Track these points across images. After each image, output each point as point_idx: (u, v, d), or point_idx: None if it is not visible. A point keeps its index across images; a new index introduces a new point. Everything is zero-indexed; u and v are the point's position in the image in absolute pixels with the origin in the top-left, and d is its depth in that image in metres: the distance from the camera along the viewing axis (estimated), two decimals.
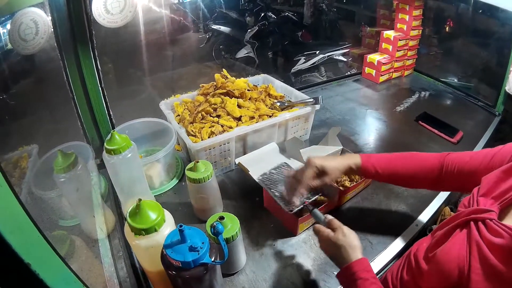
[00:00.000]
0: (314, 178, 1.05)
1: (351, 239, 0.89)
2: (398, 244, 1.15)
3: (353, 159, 1.06)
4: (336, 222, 0.94)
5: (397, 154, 1.07)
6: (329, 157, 1.12)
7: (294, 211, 1.05)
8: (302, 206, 1.06)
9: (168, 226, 0.82)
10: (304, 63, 3.98)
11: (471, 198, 0.79)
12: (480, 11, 2.57)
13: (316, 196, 1.09)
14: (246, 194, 1.36)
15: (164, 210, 0.85)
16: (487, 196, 0.76)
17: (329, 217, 0.98)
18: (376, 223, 1.23)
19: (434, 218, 1.29)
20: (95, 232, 1.12)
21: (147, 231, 0.78)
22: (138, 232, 0.78)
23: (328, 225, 0.95)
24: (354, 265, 0.84)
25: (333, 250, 0.90)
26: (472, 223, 0.72)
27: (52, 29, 1.25)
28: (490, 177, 0.80)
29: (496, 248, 0.64)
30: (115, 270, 1.08)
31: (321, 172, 1.05)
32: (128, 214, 0.80)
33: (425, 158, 1.03)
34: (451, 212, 1.31)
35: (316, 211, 1.04)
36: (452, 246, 0.72)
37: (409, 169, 1.03)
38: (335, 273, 1.03)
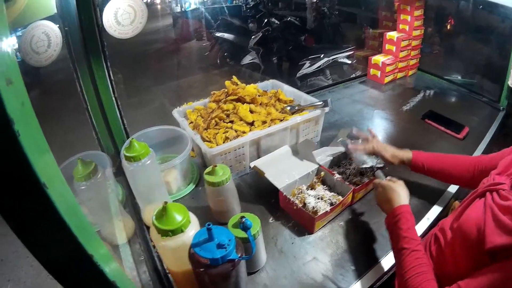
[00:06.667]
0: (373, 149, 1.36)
1: (405, 191, 1.09)
2: None
3: (407, 154, 1.30)
4: (396, 179, 1.16)
5: (441, 154, 1.29)
6: (390, 146, 1.36)
7: (363, 166, 1.36)
8: (371, 166, 1.35)
9: (193, 227, 0.85)
10: (309, 67, 3.97)
11: (489, 177, 0.94)
12: (481, 6, 2.59)
13: (383, 164, 1.36)
14: (262, 196, 1.38)
15: (189, 212, 0.88)
16: (502, 174, 0.91)
17: (389, 177, 1.19)
18: None
19: (444, 212, 1.32)
20: (115, 238, 1.15)
21: (174, 232, 0.81)
22: (165, 233, 0.81)
23: (389, 180, 1.16)
24: (402, 207, 1.02)
25: (389, 194, 1.08)
26: (488, 193, 0.87)
27: (64, 42, 1.27)
28: (505, 160, 0.96)
29: (505, 209, 0.78)
30: (137, 275, 1.10)
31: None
32: (154, 217, 0.82)
33: (462, 159, 1.24)
34: None
35: (380, 171, 1.27)
36: (472, 211, 0.87)
37: (449, 167, 1.24)
38: (353, 267, 1.07)
